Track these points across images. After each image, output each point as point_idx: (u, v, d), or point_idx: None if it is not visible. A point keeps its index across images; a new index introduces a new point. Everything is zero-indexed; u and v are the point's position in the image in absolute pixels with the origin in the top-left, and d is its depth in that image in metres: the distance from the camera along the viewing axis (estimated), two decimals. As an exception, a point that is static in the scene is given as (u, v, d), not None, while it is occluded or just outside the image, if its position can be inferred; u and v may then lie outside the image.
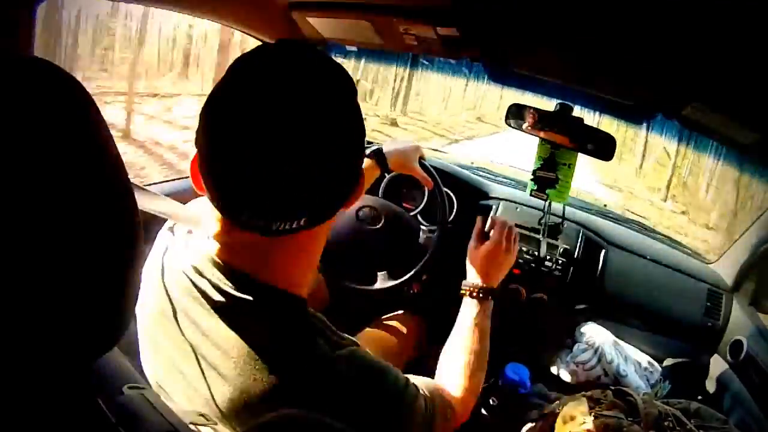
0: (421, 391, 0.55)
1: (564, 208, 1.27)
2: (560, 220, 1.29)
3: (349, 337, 0.51)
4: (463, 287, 0.81)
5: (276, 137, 0.40)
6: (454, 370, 0.72)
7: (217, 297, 0.47)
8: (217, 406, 0.46)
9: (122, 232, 0.33)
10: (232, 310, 0.46)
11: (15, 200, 0.27)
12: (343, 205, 0.49)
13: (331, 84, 0.44)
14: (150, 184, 1.13)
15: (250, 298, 0.46)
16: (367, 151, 0.98)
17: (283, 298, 0.48)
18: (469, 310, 0.79)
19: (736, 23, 0.53)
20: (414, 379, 0.57)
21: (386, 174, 1.01)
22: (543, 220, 1.30)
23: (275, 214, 0.42)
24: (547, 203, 1.24)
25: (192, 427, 0.44)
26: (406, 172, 1.07)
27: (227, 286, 0.46)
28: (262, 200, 0.42)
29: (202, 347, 0.47)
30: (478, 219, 0.92)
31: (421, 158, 1.06)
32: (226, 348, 0.46)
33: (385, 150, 1.00)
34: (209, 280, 0.47)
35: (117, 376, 0.43)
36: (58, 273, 0.29)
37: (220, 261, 0.48)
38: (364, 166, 0.91)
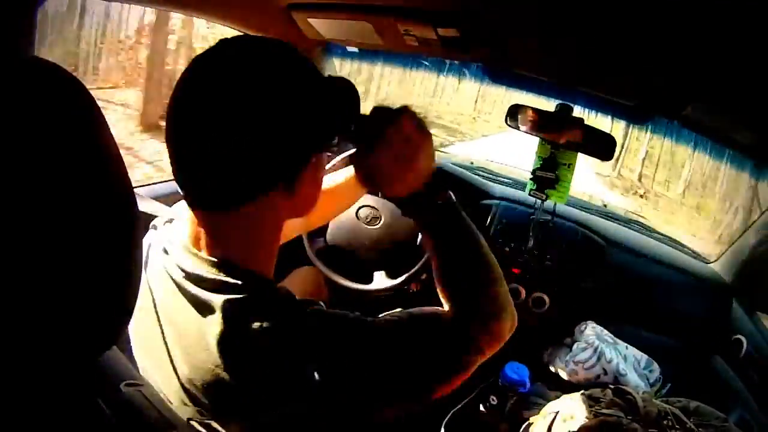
0: (409, 325, 0.51)
1: (555, 205, 1.26)
2: (552, 218, 1.29)
3: (312, 300, 0.51)
4: (406, 209, 0.63)
5: (190, 114, 0.44)
6: (458, 294, 0.57)
7: (177, 273, 0.48)
8: (185, 391, 0.47)
9: (122, 230, 0.33)
10: (188, 284, 0.47)
11: (16, 200, 0.27)
12: (275, 190, 0.48)
13: (265, 72, 0.46)
14: (139, 186, 1.13)
15: (206, 272, 0.47)
16: None
17: (242, 275, 0.47)
18: (434, 227, 0.61)
19: (735, 23, 0.53)
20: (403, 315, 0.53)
21: None
22: (532, 217, 1.30)
23: (200, 190, 0.47)
24: (540, 202, 1.24)
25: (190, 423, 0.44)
26: None
27: (188, 264, 0.48)
28: (188, 175, 0.47)
29: (168, 330, 0.49)
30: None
31: None
32: (181, 326, 0.47)
33: None
34: (173, 259, 0.49)
35: (115, 373, 0.43)
36: (59, 272, 0.29)
37: (186, 242, 0.50)
38: None
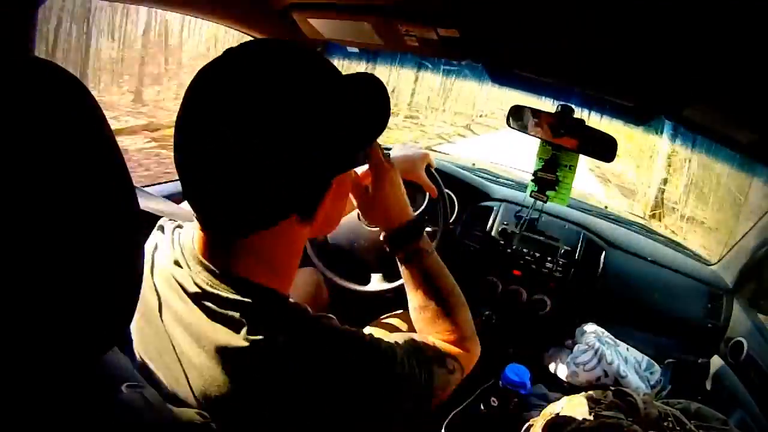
0: (408, 349, 0.55)
1: (542, 203, 1.26)
2: (539, 215, 1.29)
3: (329, 315, 0.51)
4: (389, 246, 0.71)
5: (198, 142, 0.42)
6: (431, 321, 0.66)
7: (193, 288, 0.47)
8: (196, 398, 0.46)
9: (124, 230, 0.33)
10: (205, 301, 0.47)
11: (18, 200, 0.27)
12: (288, 218, 0.47)
13: (281, 87, 0.42)
14: (149, 185, 1.13)
15: (225, 289, 0.46)
16: None
17: (257, 291, 0.47)
18: (410, 266, 0.68)
19: (736, 23, 0.53)
20: (398, 339, 0.56)
21: None
22: (521, 214, 1.31)
23: (204, 215, 0.46)
24: (533, 201, 1.24)
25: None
26: (411, 178, 1.05)
27: (202, 279, 0.47)
28: (192, 198, 0.45)
29: (179, 337, 0.48)
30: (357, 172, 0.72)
31: (429, 166, 1.06)
32: (198, 337, 0.46)
33: (392, 155, 0.99)
34: (187, 273, 0.48)
35: (116, 374, 0.43)
36: (60, 271, 0.29)
37: (198, 255, 0.49)
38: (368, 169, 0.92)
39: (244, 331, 0.44)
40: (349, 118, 0.47)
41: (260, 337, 0.44)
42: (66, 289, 0.30)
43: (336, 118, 0.45)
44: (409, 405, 0.52)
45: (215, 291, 0.46)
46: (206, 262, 0.48)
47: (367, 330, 1.13)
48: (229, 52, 0.44)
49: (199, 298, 0.47)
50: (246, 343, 0.44)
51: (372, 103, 0.52)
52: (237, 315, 0.45)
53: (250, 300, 0.46)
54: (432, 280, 0.68)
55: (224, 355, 0.44)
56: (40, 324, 0.29)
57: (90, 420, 0.36)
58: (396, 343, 0.54)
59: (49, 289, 0.29)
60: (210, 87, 0.42)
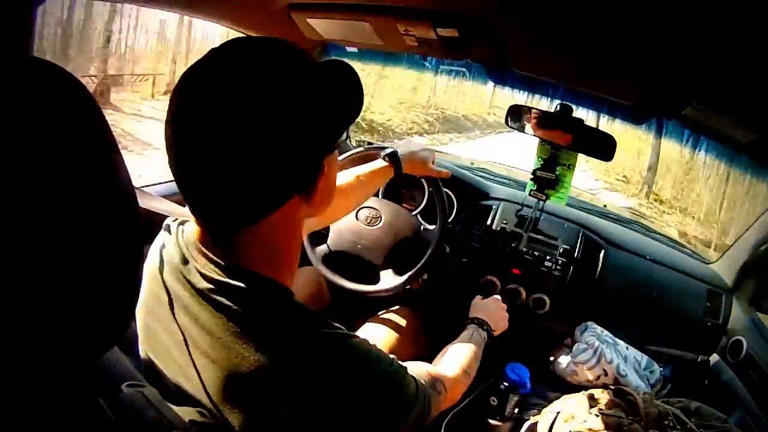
0: (409, 369, 0.56)
1: (544, 204, 1.26)
2: (540, 214, 1.30)
3: (336, 324, 0.52)
4: (472, 318, 0.96)
5: (195, 138, 0.43)
6: (449, 361, 0.81)
7: (202, 282, 0.48)
8: (207, 392, 0.46)
9: (124, 230, 0.33)
10: (216, 294, 0.47)
11: (18, 200, 0.27)
12: (291, 200, 0.49)
13: (267, 81, 0.44)
14: (147, 185, 1.13)
15: (233, 282, 0.47)
16: (382, 153, 0.99)
17: (263, 283, 0.49)
18: (473, 332, 0.92)
19: (735, 23, 0.53)
20: (405, 364, 0.58)
21: (399, 177, 1.02)
22: (521, 213, 1.32)
23: (205, 212, 0.47)
24: (536, 200, 1.25)
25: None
26: (421, 174, 1.08)
27: (210, 271, 0.48)
28: (191, 197, 0.46)
29: (191, 331, 0.48)
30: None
31: (432, 162, 1.08)
32: (213, 330, 0.47)
33: (399, 153, 1.00)
34: (194, 267, 0.49)
35: (117, 374, 0.43)
36: (60, 271, 0.29)
37: (203, 248, 0.49)
38: (376, 168, 0.93)
39: (251, 324, 0.46)
40: (331, 101, 0.49)
41: (266, 335, 0.46)
42: (66, 288, 0.30)
43: (320, 101, 0.48)
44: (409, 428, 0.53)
45: (222, 281, 0.47)
46: (210, 254, 0.49)
47: (368, 326, 1.13)
48: (215, 50, 0.46)
49: (207, 291, 0.48)
50: (254, 339, 0.45)
51: (349, 88, 0.54)
52: (243, 307, 0.46)
53: (254, 292, 0.47)
54: (478, 349, 0.88)
55: (235, 349, 0.45)
56: (40, 324, 0.29)
57: (91, 419, 0.36)
58: (397, 362, 0.55)
59: (48, 289, 0.29)
60: (201, 83, 0.44)
